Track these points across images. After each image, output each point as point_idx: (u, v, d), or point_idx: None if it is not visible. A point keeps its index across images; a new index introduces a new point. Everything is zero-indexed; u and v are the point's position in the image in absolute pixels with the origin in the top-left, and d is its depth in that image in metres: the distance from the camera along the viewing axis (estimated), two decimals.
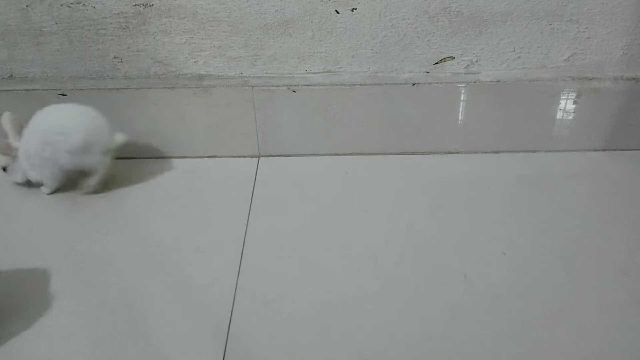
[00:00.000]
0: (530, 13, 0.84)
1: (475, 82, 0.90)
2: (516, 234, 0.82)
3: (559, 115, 0.93)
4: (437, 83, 0.90)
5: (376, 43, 0.88)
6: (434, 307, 0.73)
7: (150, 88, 0.91)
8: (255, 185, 0.92)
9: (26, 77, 0.92)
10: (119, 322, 0.72)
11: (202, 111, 0.93)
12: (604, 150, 0.96)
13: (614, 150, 0.96)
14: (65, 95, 0.92)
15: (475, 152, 0.97)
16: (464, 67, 0.90)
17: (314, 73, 0.91)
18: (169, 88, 0.91)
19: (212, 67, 0.90)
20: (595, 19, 0.85)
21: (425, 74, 0.90)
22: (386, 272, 0.77)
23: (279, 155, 0.98)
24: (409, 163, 0.96)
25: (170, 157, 0.98)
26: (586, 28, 0.86)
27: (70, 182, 0.92)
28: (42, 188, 0.91)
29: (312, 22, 0.86)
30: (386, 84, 0.91)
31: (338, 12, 0.85)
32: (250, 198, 0.90)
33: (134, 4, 0.84)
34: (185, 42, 0.88)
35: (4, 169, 0.90)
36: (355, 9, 0.84)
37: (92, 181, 0.89)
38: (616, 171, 0.93)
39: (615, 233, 0.82)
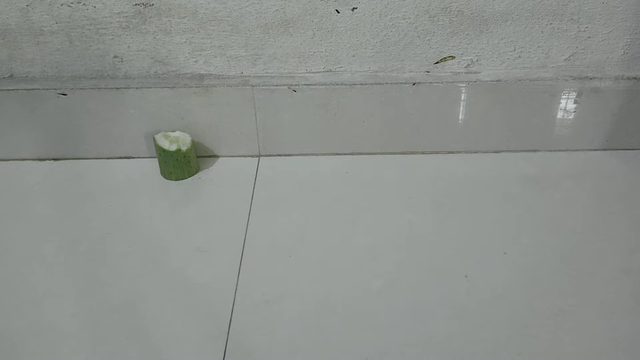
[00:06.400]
0: (531, 12, 0.84)
1: (475, 81, 0.90)
2: (516, 234, 0.82)
3: (560, 114, 0.93)
4: (437, 82, 0.90)
5: (376, 42, 0.88)
6: (434, 307, 0.73)
7: (150, 88, 0.91)
8: (255, 185, 0.92)
9: (26, 76, 0.92)
10: (119, 322, 0.72)
11: (202, 111, 0.93)
12: (604, 149, 0.96)
13: (615, 149, 0.96)
14: (66, 94, 0.92)
15: (476, 152, 0.97)
16: (465, 67, 0.90)
17: (314, 72, 0.91)
18: (169, 87, 0.91)
19: (212, 67, 0.90)
20: (595, 19, 0.85)
21: (426, 73, 0.90)
22: (386, 272, 0.77)
23: (280, 155, 0.98)
24: (410, 163, 0.96)
25: None
26: (587, 27, 0.86)
27: None
28: None
29: (312, 21, 0.86)
30: (386, 83, 0.91)
31: (338, 12, 0.85)
32: (250, 198, 0.90)
33: (134, 4, 0.84)
34: (185, 42, 0.88)
35: None
36: (356, 8, 0.84)
37: None
38: (616, 171, 0.93)
39: (616, 233, 0.82)
